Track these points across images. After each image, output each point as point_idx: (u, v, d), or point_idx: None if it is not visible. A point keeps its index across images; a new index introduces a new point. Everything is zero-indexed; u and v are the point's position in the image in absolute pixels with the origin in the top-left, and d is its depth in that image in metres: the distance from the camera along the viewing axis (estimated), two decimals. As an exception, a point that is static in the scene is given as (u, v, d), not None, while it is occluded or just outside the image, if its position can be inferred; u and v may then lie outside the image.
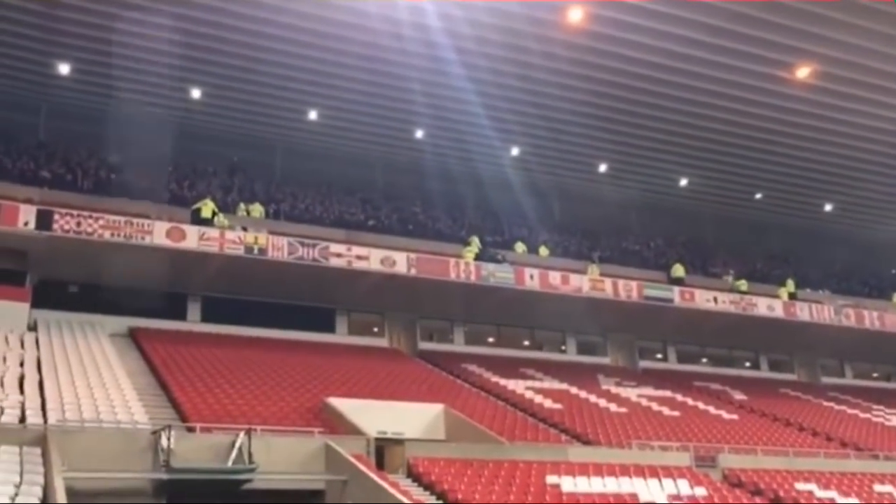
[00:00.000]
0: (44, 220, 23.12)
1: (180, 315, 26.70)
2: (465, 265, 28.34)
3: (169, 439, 15.59)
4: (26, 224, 23.03)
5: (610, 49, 25.62)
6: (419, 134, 31.24)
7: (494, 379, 27.40)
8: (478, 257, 29.44)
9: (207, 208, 26.10)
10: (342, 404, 20.39)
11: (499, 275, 28.63)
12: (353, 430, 18.85)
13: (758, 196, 37.79)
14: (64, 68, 26.22)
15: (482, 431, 20.74)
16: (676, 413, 27.02)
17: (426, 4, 22.67)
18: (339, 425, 19.41)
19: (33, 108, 28.34)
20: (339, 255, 26.31)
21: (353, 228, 30.63)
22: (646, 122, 30.23)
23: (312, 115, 29.66)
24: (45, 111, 28.67)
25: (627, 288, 30.56)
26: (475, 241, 30.48)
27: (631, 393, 28.76)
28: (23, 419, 16.89)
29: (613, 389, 29.01)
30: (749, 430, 26.62)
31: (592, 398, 27.25)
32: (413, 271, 27.18)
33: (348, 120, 30.13)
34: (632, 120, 30.09)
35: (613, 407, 26.54)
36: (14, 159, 27.07)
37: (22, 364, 20.29)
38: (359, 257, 26.63)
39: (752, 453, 23.54)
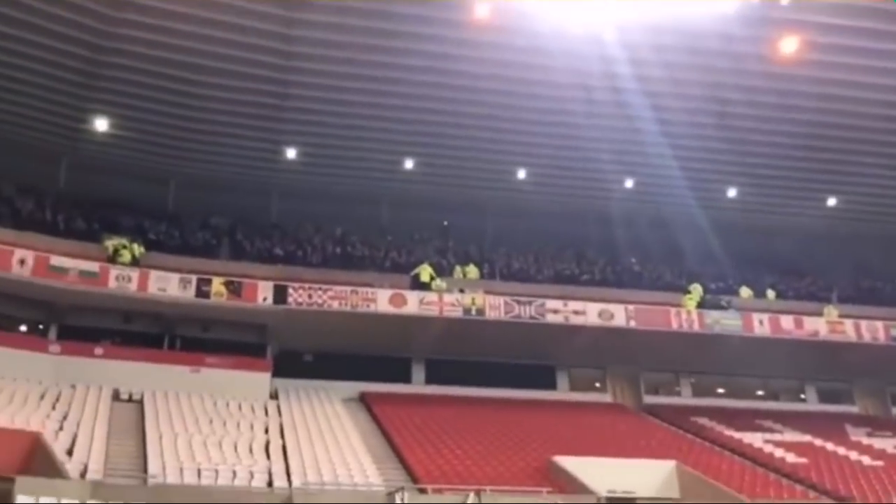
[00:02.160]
0: (280, 294, 24.94)
1: (406, 378, 27.64)
2: (687, 314, 27.32)
3: (403, 500, 15.97)
4: (265, 299, 24.95)
5: (826, 76, 24.09)
6: (629, 183, 30.72)
7: (728, 432, 25.87)
8: (700, 305, 28.23)
9: (425, 273, 27.01)
10: (569, 462, 20.04)
11: (725, 322, 27.28)
12: (581, 489, 18.43)
13: None
14: (291, 153, 28.36)
15: (720, 489, 19.54)
16: (943, 466, 24.15)
17: (614, 52, 22.46)
18: (567, 484, 19.06)
19: (265, 191, 30.80)
20: (555, 311, 26.24)
21: (568, 283, 30.38)
22: (879, 149, 27.90)
23: (521, 174, 30.04)
24: (276, 193, 31.05)
25: (872, 329, 28.10)
26: (696, 288, 29.27)
27: (886, 444, 26.07)
28: (270, 483, 18.00)
29: (865, 440, 26.47)
30: None
31: (841, 451, 24.98)
32: (632, 323, 26.57)
33: (557, 176, 30.21)
34: (861, 148, 27.92)
35: (867, 460, 24.17)
36: (251, 240, 29.47)
37: (266, 431, 21.74)
38: (576, 312, 26.41)
39: None
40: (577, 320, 26.36)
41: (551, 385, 28.80)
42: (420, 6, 21.81)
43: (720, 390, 30.55)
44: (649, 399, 29.29)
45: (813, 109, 25.75)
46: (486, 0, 21.16)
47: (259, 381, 25.18)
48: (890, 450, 25.45)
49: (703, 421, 27.02)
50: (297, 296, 25.02)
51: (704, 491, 19.54)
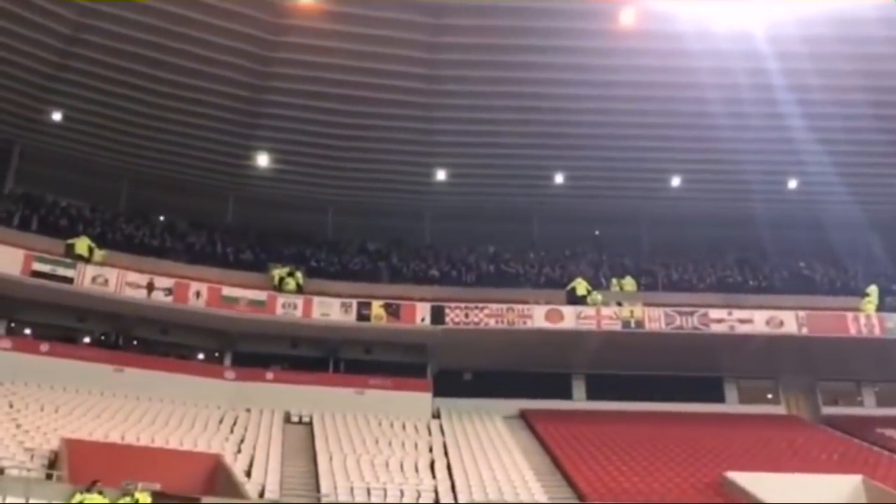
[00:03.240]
0: (437, 314, 25.34)
1: (566, 394, 27.32)
2: (865, 318, 25.59)
3: (570, 519, 15.74)
4: (423, 320, 25.41)
5: None
6: (793, 184, 29.19)
7: (920, 444, 23.97)
8: (879, 308, 26.34)
9: (581, 287, 26.68)
10: (743, 479, 19.17)
11: (909, 325, 25.34)
12: (759, 507, 17.54)
13: None
14: (441, 174, 28.81)
15: (914, 506, 18.12)
16: None
17: (762, 50, 21.48)
18: (742, 501, 18.19)
19: (418, 213, 31.42)
20: (719, 321, 25.30)
21: (731, 292, 29.16)
22: None
23: (675, 181, 29.20)
24: (429, 215, 31.61)
25: None
26: (874, 290, 27.33)
27: None
28: (437, 501, 18.20)
29: None
30: None
31: None
32: (804, 330, 25.23)
33: (712, 180, 29.13)
34: None
35: None
36: (407, 262, 30.10)
37: (430, 449, 22.04)
38: (741, 321, 25.37)
39: None
40: (743, 329, 25.29)
41: (719, 398, 27.67)
42: (563, 19, 21.71)
43: (909, 400, 28.36)
44: (828, 410, 27.58)
45: None
46: (631, 5, 20.75)
47: (421, 400, 25.59)
48: None
49: (892, 432, 25.13)
50: (454, 315, 25.31)
51: (897, 507, 18.17)
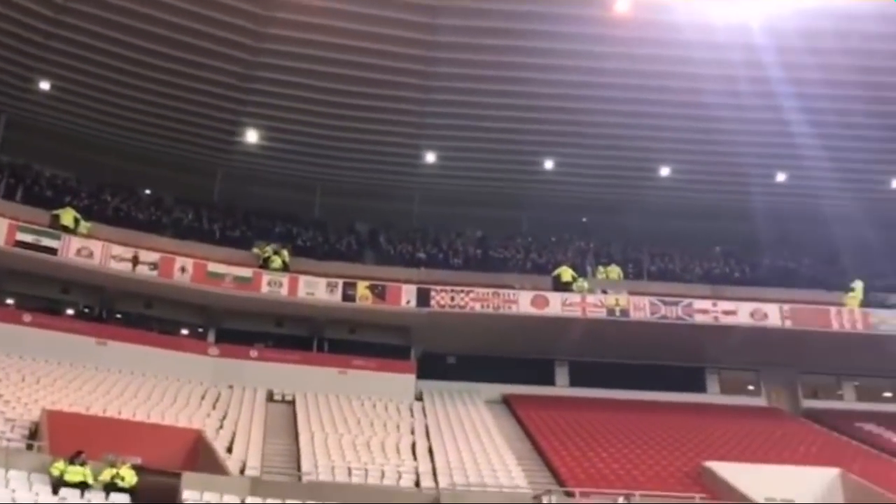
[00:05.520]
0: (423, 297, 25.35)
1: (549, 380, 27.44)
2: (848, 313, 25.79)
3: (550, 503, 15.81)
4: (408, 302, 25.41)
5: None
6: (780, 177, 29.25)
7: (897, 439, 24.23)
8: (863, 304, 26.54)
9: (567, 273, 26.74)
10: (723, 468, 19.33)
11: (892, 321, 25.56)
12: (737, 497, 17.73)
13: None
14: (431, 157, 28.70)
15: (890, 500, 18.29)
16: None
17: (761, 40, 21.41)
18: (721, 491, 18.35)
19: (407, 196, 31.30)
20: (704, 312, 25.43)
21: (717, 283, 29.31)
22: None
23: (664, 171, 29.20)
24: (418, 197, 31.52)
25: None
26: (858, 286, 27.52)
27: None
28: (418, 483, 18.26)
29: None
30: None
31: None
32: (788, 323, 25.40)
33: (701, 172, 29.08)
34: None
35: None
36: (394, 244, 30.06)
37: (412, 431, 22.10)
38: (725, 312, 25.51)
39: None
40: (727, 321, 25.44)
41: (701, 388, 27.89)
42: (559, 5, 21.60)
43: (887, 394, 28.63)
44: (808, 403, 27.84)
45: None
46: (626, -7, 20.68)
47: (404, 382, 25.65)
48: None
49: (870, 426, 25.41)
50: (440, 298, 25.32)
51: (873, 501, 18.33)
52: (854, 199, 29.53)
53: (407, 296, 25.53)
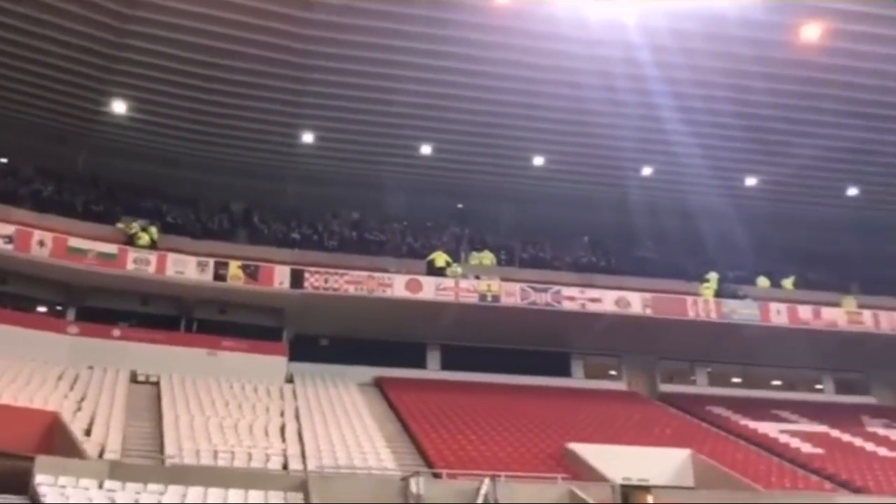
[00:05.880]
0: (296, 279, 25.09)
1: (421, 364, 27.73)
2: (704, 303, 27.26)
3: (418, 485, 16.03)
4: (281, 283, 25.08)
5: (849, 64, 23.76)
6: (647, 171, 30.50)
7: (743, 422, 25.81)
8: (717, 294, 28.10)
9: (441, 259, 27.06)
10: (584, 450, 20.07)
11: (742, 311, 27.23)
12: (596, 477, 18.45)
13: None
14: (308, 137, 28.35)
15: (735, 479, 19.54)
16: (962, 458, 24.02)
17: (634, 38, 22.23)
18: (581, 471, 19.08)
19: (283, 175, 30.80)
20: (572, 299, 26.25)
21: (585, 271, 30.33)
22: (898, 138, 27.61)
23: (538, 160, 29.90)
24: (294, 178, 31.06)
25: (891, 320, 27.90)
26: (713, 277, 29.11)
27: (903, 435, 25.98)
28: (286, 466, 18.12)
29: (881, 431, 26.35)
30: None
31: (857, 441, 24.90)
32: (649, 311, 26.56)
33: (575, 163, 29.98)
34: (883, 137, 27.55)
35: (884, 451, 24.08)
36: (268, 224, 29.55)
37: (282, 414, 21.88)
38: (592, 300, 26.42)
39: None
40: (593, 308, 26.38)
41: (566, 373, 28.82)
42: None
43: (736, 380, 30.48)
44: (665, 388, 29.24)
45: (833, 98, 25.39)
46: (506, -16, 20.98)
47: (275, 364, 25.35)
48: (907, 441, 25.35)
49: (719, 410, 26.96)
50: (314, 280, 25.13)
51: (719, 480, 19.52)
52: (716, 194, 31.15)
53: (280, 277, 25.20)
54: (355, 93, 25.60)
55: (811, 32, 22.17)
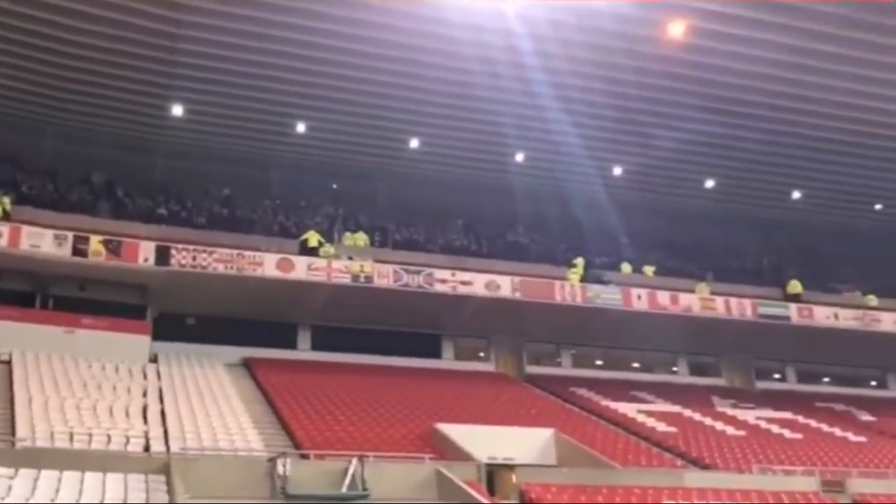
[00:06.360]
0: (162, 255, 24.21)
1: (291, 344, 27.38)
2: (570, 287, 28.09)
3: (285, 466, 15.89)
4: (146, 260, 24.16)
5: (712, 62, 24.98)
6: (520, 157, 31.16)
7: (604, 402, 26.88)
8: (583, 279, 29.06)
9: (314, 238, 26.77)
10: (451, 430, 20.37)
11: (605, 296, 28.22)
12: (463, 456, 18.77)
13: (878, 207, 35.96)
14: (178, 110, 27.40)
15: (594, 456, 20.34)
16: (799, 436, 25.84)
17: (515, 27, 22.65)
18: (449, 451, 19.38)
19: (150, 149, 29.68)
20: (443, 281, 26.52)
21: (457, 254, 30.71)
22: (754, 135, 29.21)
23: (414, 143, 30.03)
24: (161, 152, 29.97)
25: (741, 306, 29.65)
26: (580, 262, 30.10)
27: (749, 415, 27.70)
28: (147, 448, 17.57)
29: (730, 411, 28.01)
30: (879, 452, 25.18)
31: (707, 421, 26.37)
32: (518, 294, 27.11)
33: (449, 147, 30.33)
34: (739, 133, 29.15)
35: (731, 430, 25.60)
36: (133, 199, 28.41)
37: (145, 394, 21.18)
38: (463, 283, 26.76)
39: (884, 477, 22.25)
40: (464, 290, 26.72)
41: (436, 354, 29.14)
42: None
43: (599, 362, 31.66)
44: (531, 369, 30.02)
45: (693, 93, 26.57)
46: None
47: (138, 343, 24.46)
48: (752, 420, 27.05)
49: (582, 391, 27.94)
50: (181, 257, 24.36)
51: (580, 458, 20.26)
52: (586, 182, 32.17)
53: (145, 253, 24.25)
54: (230, 66, 24.94)
55: (676, 30, 23.14)
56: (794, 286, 32.64)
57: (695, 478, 19.88)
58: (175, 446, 17.72)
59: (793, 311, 30.30)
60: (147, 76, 25.32)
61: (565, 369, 30.70)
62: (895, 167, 31.57)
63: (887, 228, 37.43)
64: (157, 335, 25.16)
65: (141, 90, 26.10)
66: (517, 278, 27.48)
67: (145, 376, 22.80)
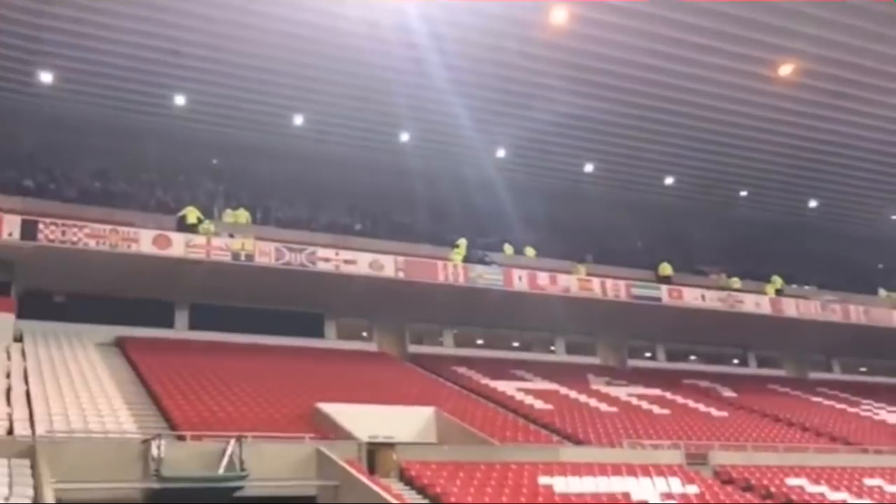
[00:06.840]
0: (28, 229, 23.00)
1: (168, 323, 26.54)
2: (453, 267, 28.37)
3: (159, 448, 15.49)
4: (10, 234, 22.90)
5: (593, 49, 25.66)
6: (405, 137, 31.20)
7: (484, 381, 27.39)
8: (466, 259, 29.42)
9: (192, 215, 26.05)
10: (333, 409, 20.32)
11: (487, 276, 28.68)
12: (344, 435, 18.78)
13: (743, 193, 37.96)
14: (47, 77, 26.05)
15: (473, 434, 20.73)
16: (667, 411, 27.10)
17: (407, 6, 22.63)
18: (330, 431, 19.33)
19: (16, 117, 28.08)
20: (326, 260, 26.30)
21: (340, 233, 30.57)
22: (630, 122, 30.29)
23: (298, 120, 29.57)
24: (28, 120, 28.41)
25: (615, 287, 30.70)
26: (463, 243, 30.45)
27: (621, 392, 28.82)
28: (11, 431, 16.76)
29: (603, 389, 29.06)
30: (739, 426, 26.73)
31: (583, 398, 27.29)
32: (401, 274, 27.20)
33: (334, 124, 30.05)
34: (616, 120, 30.15)
35: (604, 406, 26.59)
36: (-3, 169, 26.91)
37: (8, 375, 20.15)
38: (346, 262, 26.62)
39: (743, 450, 23.62)
40: (347, 270, 26.57)
41: (319, 333, 28.90)
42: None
43: (480, 341, 32.21)
44: (414, 349, 30.23)
45: (574, 78, 27.22)
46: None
47: (1, 322, 23.21)
48: (624, 397, 28.17)
49: (463, 370, 28.38)
50: (49, 232, 23.21)
51: (460, 435, 20.62)
52: (472, 164, 32.53)
53: (9, 227, 22.96)
54: (102, 33, 23.85)
55: (559, 16, 23.66)
56: (665, 268, 34.13)
57: (570, 453, 20.57)
58: (41, 429, 16.96)
59: (664, 292, 31.62)
60: (12, 39, 23.92)
61: (447, 349, 31.08)
62: (759, 156, 33.36)
63: (751, 215, 39.65)
64: (23, 313, 23.96)
65: (5, 54, 24.64)
66: (401, 258, 27.55)
67: (9, 356, 21.68)
